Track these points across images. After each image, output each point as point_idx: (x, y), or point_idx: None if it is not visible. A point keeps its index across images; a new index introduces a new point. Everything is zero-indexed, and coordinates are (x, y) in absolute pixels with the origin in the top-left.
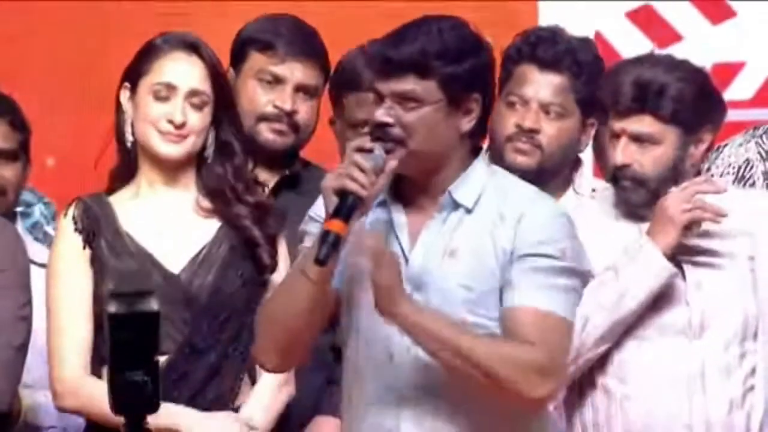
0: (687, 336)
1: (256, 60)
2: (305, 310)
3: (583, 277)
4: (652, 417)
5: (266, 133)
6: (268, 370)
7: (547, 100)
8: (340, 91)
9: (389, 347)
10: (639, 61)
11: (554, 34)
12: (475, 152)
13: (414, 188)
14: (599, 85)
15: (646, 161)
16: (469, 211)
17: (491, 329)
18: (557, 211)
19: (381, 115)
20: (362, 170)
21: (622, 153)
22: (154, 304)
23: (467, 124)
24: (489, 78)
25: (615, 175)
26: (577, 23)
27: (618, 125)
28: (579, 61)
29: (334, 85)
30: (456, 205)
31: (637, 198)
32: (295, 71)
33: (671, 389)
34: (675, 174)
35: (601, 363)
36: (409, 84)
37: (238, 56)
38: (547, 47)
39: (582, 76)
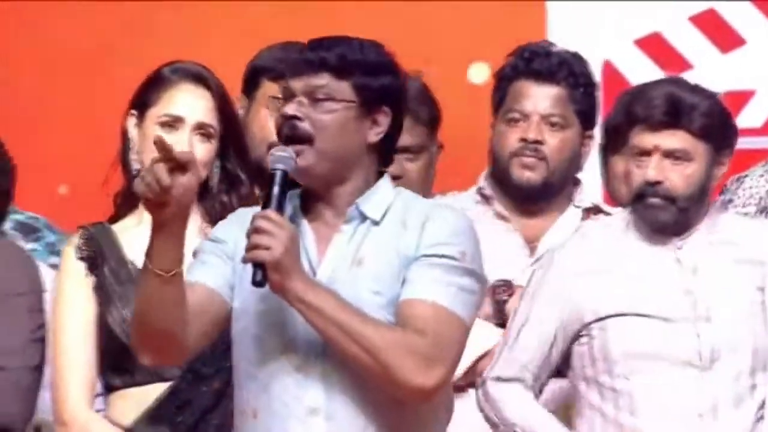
0: (697, 368)
1: (268, 88)
2: (161, 309)
3: (482, 281)
4: None
5: None
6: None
7: (548, 111)
8: None
9: (296, 355)
10: (664, 80)
11: (547, 48)
12: (380, 174)
13: (319, 202)
14: (616, 108)
15: (678, 178)
16: (376, 223)
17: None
18: (459, 217)
19: (291, 109)
20: (267, 231)
21: (655, 169)
22: None
23: (375, 135)
24: (400, 101)
25: (643, 192)
26: (585, 52)
27: (650, 141)
28: (574, 72)
29: None
30: (363, 218)
31: (665, 216)
32: None
33: (682, 421)
34: (702, 194)
35: (612, 395)
36: (323, 80)
37: (251, 84)
38: (541, 60)
39: (579, 87)
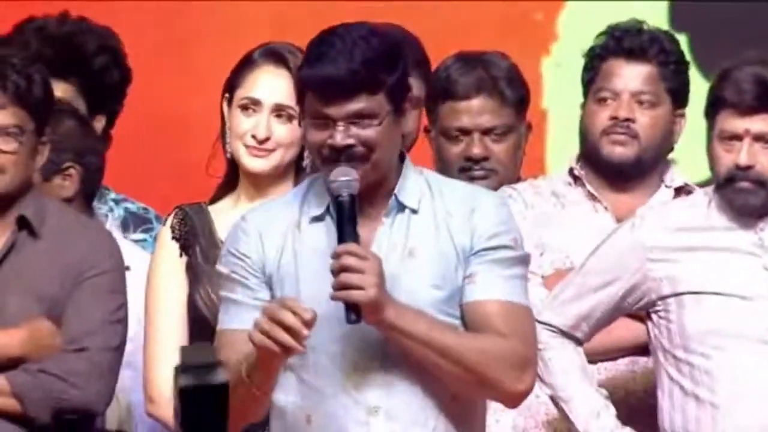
0: None
1: None
2: (252, 412)
3: (528, 262)
4: (740, 427)
5: None
6: None
7: (638, 89)
8: (435, 100)
9: (352, 356)
10: (750, 61)
11: (637, 25)
12: (402, 156)
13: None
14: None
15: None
16: (414, 211)
17: (459, 327)
18: (501, 201)
19: (342, 138)
20: (356, 269)
21: (747, 154)
22: (222, 376)
23: (405, 123)
24: (409, 69)
25: (733, 176)
26: None
27: (740, 125)
28: (665, 49)
29: (429, 94)
30: (401, 207)
31: (755, 200)
32: None
33: (759, 399)
34: None
35: (689, 370)
36: (362, 102)
37: None
38: (632, 38)
39: (669, 64)
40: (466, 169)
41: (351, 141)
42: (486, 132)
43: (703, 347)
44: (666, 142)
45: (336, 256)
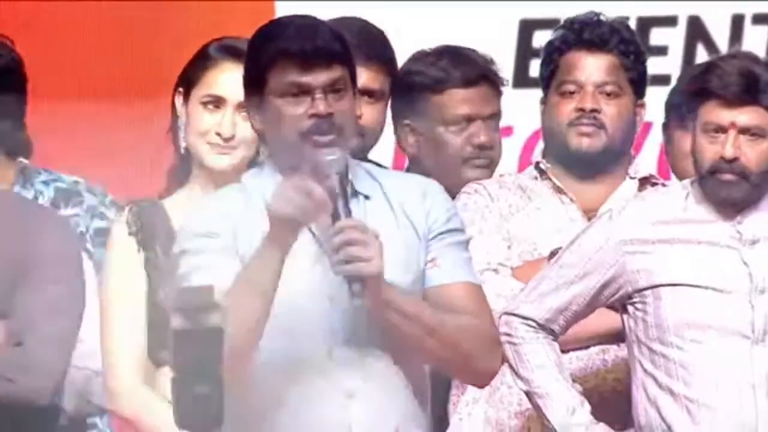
0: (750, 339)
1: None
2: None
3: None
4: (716, 420)
5: None
6: None
7: (602, 80)
8: (432, 90)
9: (328, 341)
10: (735, 55)
11: (595, 17)
12: None
13: None
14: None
15: (753, 155)
16: (367, 197)
17: None
18: (441, 186)
19: (324, 107)
20: (361, 242)
21: (732, 146)
22: (218, 319)
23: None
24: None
25: (717, 168)
26: None
27: (726, 117)
28: (625, 39)
29: (403, 87)
30: (355, 193)
31: (738, 192)
32: (360, 75)
33: (734, 393)
34: None
35: (664, 363)
36: (338, 71)
37: None
38: (592, 29)
39: (630, 54)
40: (472, 158)
41: (331, 110)
42: (488, 119)
43: (679, 340)
44: (630, 132)
45: (338, 231)
